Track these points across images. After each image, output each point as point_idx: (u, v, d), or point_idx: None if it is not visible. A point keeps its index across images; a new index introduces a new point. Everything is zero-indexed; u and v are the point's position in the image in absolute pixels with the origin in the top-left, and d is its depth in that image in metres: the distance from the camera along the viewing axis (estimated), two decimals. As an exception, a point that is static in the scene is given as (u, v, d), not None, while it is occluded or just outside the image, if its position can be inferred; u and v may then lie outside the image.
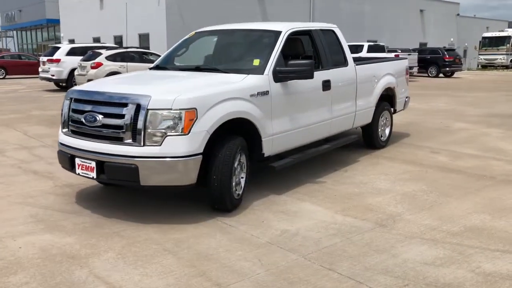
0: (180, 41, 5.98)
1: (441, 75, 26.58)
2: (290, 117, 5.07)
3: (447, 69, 26.44)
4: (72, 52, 17.54)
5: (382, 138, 7.23)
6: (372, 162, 6.43)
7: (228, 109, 4.28)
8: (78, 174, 4.36)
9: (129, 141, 4.03)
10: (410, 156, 6.77)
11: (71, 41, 30.73)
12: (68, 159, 4.43)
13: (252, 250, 3.66)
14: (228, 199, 4.32)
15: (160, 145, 3.97)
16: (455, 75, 27.20)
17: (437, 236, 3.90)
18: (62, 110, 4.65)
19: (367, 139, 7.14)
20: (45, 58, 17.69)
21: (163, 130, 3.97)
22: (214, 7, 25.66)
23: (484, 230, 4.04)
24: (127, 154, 4.01)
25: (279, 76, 4.83)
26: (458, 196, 4.96)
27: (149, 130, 3.98)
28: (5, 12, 49.18)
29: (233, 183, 4.39)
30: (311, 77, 4.85)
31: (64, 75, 17.20)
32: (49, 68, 17.31)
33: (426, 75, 26.73)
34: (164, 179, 4.04)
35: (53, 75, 17.20)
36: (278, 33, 5.17)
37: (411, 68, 23.65)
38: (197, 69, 5.14)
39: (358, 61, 6.66)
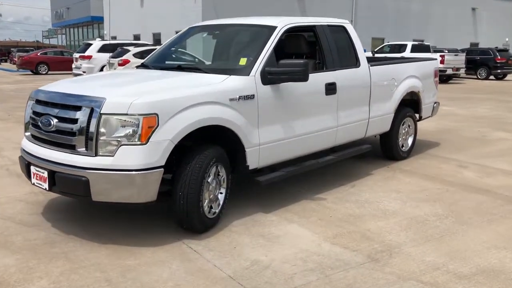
0: (173, 37, 5.46)
1: (491, 77, 24.89)
2: (282, 125, 4.43)
3: (499, 71, 24.70)
4: (103, 49, 17.53)
5: (403, 148, 6.43)
6: (386, 176, 5.67)
7: (199, 115, 3.70)
8: (34, 184, 3.91)
9: (82, 149, 3.53)
10: (432, 170, 5.95)
11: (113, 38, 31.10)
12: (25, 167, 4.00)
13: (207, 286, 3.06)
14: (196, 219, 3.74)
15: (114, 156, 3.44)
16: (507, 78, 25.41)
17: (439, 279, 3.17)
18: (25, 112, 4.23)
19: (385, 150, 6.37)
20: (77, 55, 17.79)
21: (119, 139, 3.44)
22: (250, 4, 25.16)
23: (501, 273, 3.26)
24: (78, 165, 3.51)
25: (269, 77, 4.20)
26: (478, 224, 4.16)
27: (102, 138, 3.46)
28: (54, 10, 50.80)
29: (205, 200, 3.81)
30: (305, 79, 4.19)
31: (95, 72, 17.18)
32: (81, 64, 17.39)
33: (475, 77, 25.11)
34: (118, 196, 3.51)
35: (84, 72, 17.23)
36: (272, 29, 4.54)
37: (457, 69, 22.28)
38: (179, 68, 4.58)
39: (375, 61, 5.91)
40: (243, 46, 4.75)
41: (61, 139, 3.66)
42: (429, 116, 7.06)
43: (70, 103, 3.66)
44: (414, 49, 22.16)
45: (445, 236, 3.89)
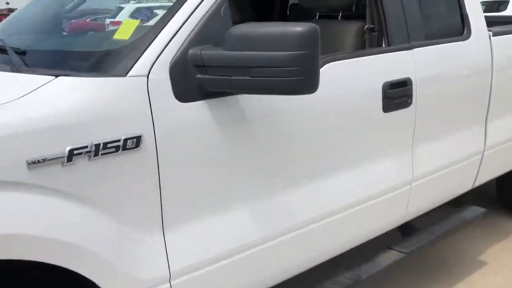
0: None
1: None
2: (246, 209, 1.59)
3: None
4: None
5: (542, 194, 3.34)
6: (515, 271, 2.67)
7: None
8: None
9: None
10: None
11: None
12: None
13: None
14: None
15: None
16: None
17: None
18: None
19: (505, 199, 3.32)
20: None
21: None
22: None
23: None
24: None
25: (199, 79, 1.37)
26: None
27: None
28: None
29: None
30: (305, 88, 1.29)
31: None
32: (112, 32, 15.27)
33: None
34: None
35: (117, 42, 15.03)
36: None
37: None
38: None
39: (494, 25, 2.82)
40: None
41: None
42: None
43: None
44: (520, 7, 17.72)
45: None
